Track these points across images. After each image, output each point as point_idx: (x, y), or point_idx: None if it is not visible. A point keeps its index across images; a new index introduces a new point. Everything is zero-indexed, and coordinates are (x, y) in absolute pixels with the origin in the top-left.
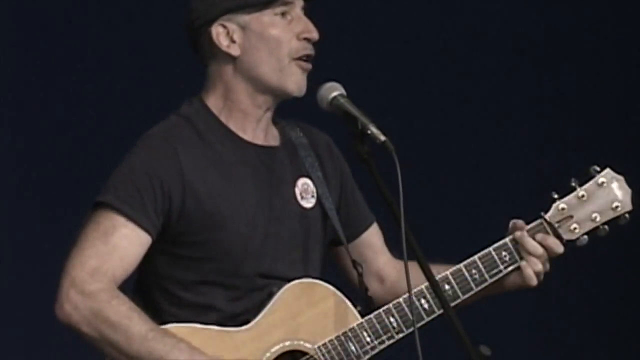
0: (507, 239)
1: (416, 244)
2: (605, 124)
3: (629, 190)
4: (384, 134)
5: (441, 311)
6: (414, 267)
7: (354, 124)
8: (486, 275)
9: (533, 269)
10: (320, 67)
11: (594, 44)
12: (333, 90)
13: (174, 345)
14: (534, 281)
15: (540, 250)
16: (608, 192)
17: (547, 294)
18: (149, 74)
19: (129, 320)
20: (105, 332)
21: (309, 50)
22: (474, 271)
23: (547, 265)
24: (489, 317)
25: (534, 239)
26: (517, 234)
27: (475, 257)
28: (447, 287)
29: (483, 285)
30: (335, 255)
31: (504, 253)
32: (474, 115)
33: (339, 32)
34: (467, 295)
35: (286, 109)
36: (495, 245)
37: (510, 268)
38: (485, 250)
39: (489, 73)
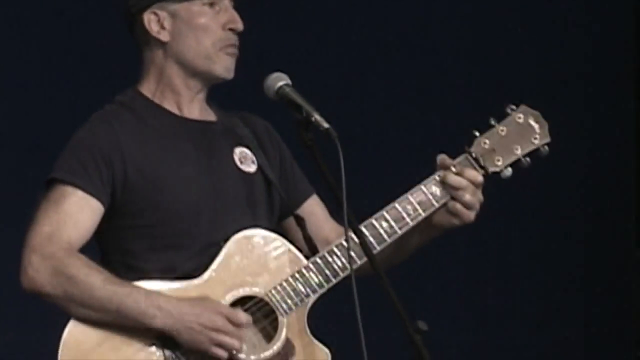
0: (435, 175)
1: (357, 226)
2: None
3: (545, 123)
4: (327, 121)
5: (382, 245)
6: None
7: (299, 112)
8: (420, 210)
9: (461, 200)
10: (267, 58)
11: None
12: (279, 80)
13: (133, 288)
14: (466, 214)
15: (463, 182)
16: (526, 126)
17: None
18: (88, 73)
19: (87, 273)
20: (67, 287)
21: (233, 40)
22: (408, 207)
23: (479, 195)
24: (425, 293)
25: (457, 173)
26: (441, 172)
27: (407, 194)
28: (384, 224)
29: (418, 220)
30: (285, 231)
31: (433, 187)
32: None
33: (285, 26)
34: (405, 228)
35: (231, 99)
36: (425, 181)
37: (441, 202)
38: (416, 187)
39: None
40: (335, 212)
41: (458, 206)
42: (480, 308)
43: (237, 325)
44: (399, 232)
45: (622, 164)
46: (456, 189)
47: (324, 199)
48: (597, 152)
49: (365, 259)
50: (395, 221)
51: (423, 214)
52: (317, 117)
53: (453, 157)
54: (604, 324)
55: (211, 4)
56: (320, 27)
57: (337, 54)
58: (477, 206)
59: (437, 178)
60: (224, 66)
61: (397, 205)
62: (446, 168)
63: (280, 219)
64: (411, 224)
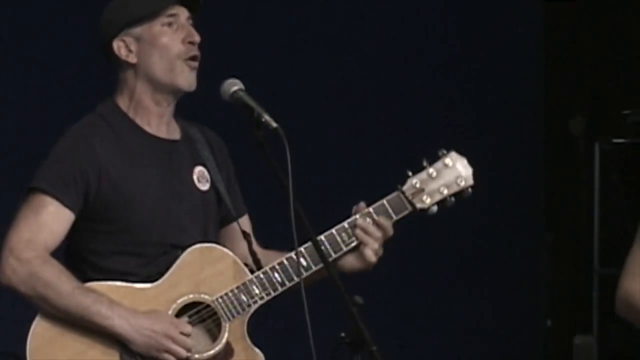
0: (343, 224)
1: (303, 213)
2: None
3: (470, 168)
4: (276, 121)
5: (318, 267)
6: (271, 254)
7: (251, 113)
8: (331, 252)
9: (372, 248)
10: (223, 65)
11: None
12: (233, 85)
13: (96, 298)
14: (372, 259)
15: (377, 233)
16: (453, 170)
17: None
18: (71, 79)
19: (58, 280)
20: (39, 290)
21: (194, 51)
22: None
23: (381, 250)
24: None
25: (374, 222)
26: (358, 220)
27: (322, 235)
28: (303, 261)
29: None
30: (224, 237)
31: (343, 235)
32: (349, 112)
33: (238, 37)
34: (318, 267)
35: (195, 105)
36: (337, 227)
37: (349, 247)
38: (329, 231)
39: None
40: (284, 203)
41: (368, 251)
42: (402, 283)
43: (183, 334)
44: (314, 267)
45: (531, 157)
46: (370, 235)
47: (272, 193)
48: (507, 143)
49: (303, 275)
50: (311, 258)
51: (333, 255)
52: (267, 117)
53: (389, 192)
54: (515, 299)
55: (169, 24)
56: (273, 37)
57: (290, 62)
58: (380, 254)
59: (346, 226)
60: (185, 78)
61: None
62: (361, 214)
63: (221, 227)
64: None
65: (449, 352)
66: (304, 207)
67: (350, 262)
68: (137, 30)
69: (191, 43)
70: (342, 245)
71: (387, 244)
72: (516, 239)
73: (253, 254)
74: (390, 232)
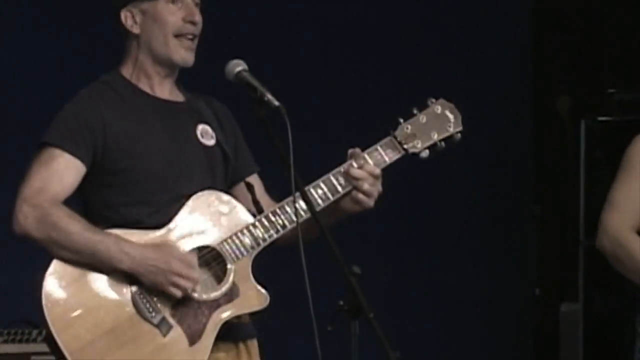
0: (340, 167)
1: (302, 185)
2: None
3: (459, 114)
4: (278, 99)
5: (322, 205)
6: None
7: (254, 92)
8: (329, 195)
9: (361, 189)
10: (229, 47)
11: None
12: (237, 66)
13: (104, 236)
14: (365, 201)
15: (364, 174)
16: (442, 116)
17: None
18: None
19: (67, 221)
20: (50, 233)
21: (191, 30)
22: (319, 191)
23: (378, 186)
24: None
25: (361, 166)
26: (343, 165)
27: (319, 180)
28: (302, 204)
29: (328, 202)
30: (233, 193)
31: (339, 178)
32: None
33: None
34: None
35: (199, 82)
36: (333, 171)
37: (346, 190)
38: (326, 175)
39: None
40: (284, 177)
41: (359, 195)
42: (397, 261)
43: (190, 267)
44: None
45: (520, 133)
46: (357, 179)
47: (273, 168)
48: (498, 120)
49: (303, 217)
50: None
51: (332, 198)
52: (269, 96)
53: (380, 138)
54: (505, 268)
55: (173, 2)
56: (275, 25)
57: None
58: (376, 195)
59: (342, 170)
60: (180, 54)
61: (311, 189)
62: (355, 158)
63: (230, 186)
64: (322, 205)
65: (441, 319)
66: (303, 179)
67: (350, 204)
68: (144, 4)
69: (191, 22)
70: (339, 188)
71: (382, 216)
72: (506, 211)
73: (256, 202)
74: (377, 171)
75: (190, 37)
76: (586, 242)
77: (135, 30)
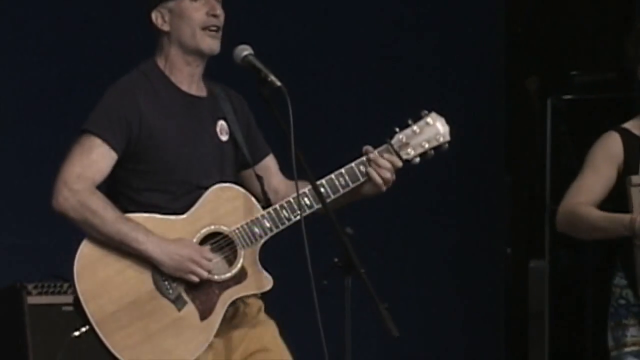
0: (363, 158)
1: (304, 160)
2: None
3: (447, 126)
4: (280, 80)
5: (319, 206)
6: (299, 185)
7: (259, 74)
8: (349, 182)
9: (382, 176)
10: (237, 35)
11: None
12: (244, 50)
13: (134, 226)
14: (383, 187)
15: (387, 164)
16: (433, 127)
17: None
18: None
19: (104, 209)
20: (87, 217)
21: (215, 22)
22: (341, 179)
23: (393, 176)
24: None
25: (382, 157)
26: (371, 155)
27: (342, 169)
28: (322, 189)
29: (347, 189)
30: (244, 178)
31: (361, 167)
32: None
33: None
34: (337, 195)
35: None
36: (356, 161)
37: (366, 178)
38: (348, 165)
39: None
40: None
41: (379, 179)
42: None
43: (205, 259)
44: (332, 196)
45: (493, 111)
46: (381, 167)
47: (274, 139)
48: (473, 99)
49: (307, 212)
50: (332, 189)
51: (351, 185)
52: (272, 77)
53: (378, 145)
54: (480, 230)
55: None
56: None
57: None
58: (391, 183)
59: (365, 160)
60: (207, 44)
61: (333, 176)
62: (370, 153)
63: (241, 170)
64: (341, 192)
65: (420, 277)
66: (304, 154)
67: (367, 189)
68: (171, 4)
69: (213, 16)
70: (360, 177)
71: None
72: (481, 181)
73: (264, 193)
74: (399, 163)
75: (214, 28)
76: (552, 207)
77: (166, 28)
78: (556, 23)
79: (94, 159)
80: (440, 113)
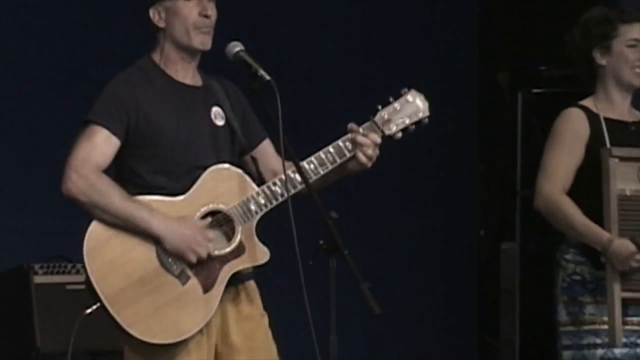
0: (349, 135)
1: (289, 146)
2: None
3: (427, 103)
4: (269, 75)
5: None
6: (290, 166)
7: (250, 69)
8: (337, 158)
9: (365, 154)
10: (229, 32)
11: None
12: (236, 47)
13: (139, 206)
14: (367, 163)
15: (368, 141)
16: (413, 104)
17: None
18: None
19: (110, 190)
20: (94, 198)
21: (206, 22)
22: (328, 155)
23: (377, 151)
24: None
25: (363, 135)
26: (353, 134)
27: (329, 146)
28: (312, 165)
29: (335, 164)
30: (245, 163)
31: (347, 143)
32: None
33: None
34: (325, 170)
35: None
36: (342, 138)
37: (353, 153)
38: (335, 142)
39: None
40: (275, 142)
41: (363, 158)
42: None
43: (205, 238)
44: (321, 172)
45: (467, 103)
46: (362, 145)
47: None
48: (448, 93)
49: (297, 188)
50: (319, 164)
51: (339, 161)
52: (262, 72)
53: (362, 122)
54: (455, 214)
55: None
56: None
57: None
58: (374, 159)
59: (350, 137)
60: (199, 41)
61: (321, 153)
62: (354, 131)
63: (241, 156)
64: (329, 167)
65: (401, 257)
66: (292, 141)
67: (353, 165)
68: (167, 2)
69: (205, 16)
70: (346, 152)
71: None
72: (457, 168)
73: (259, 173)
74: (378, 140)
75: (206, 29)
76: (522, 193)
77: (161, 24)
78: (526, 23)
79: (97, 143)
80: (420, 90)
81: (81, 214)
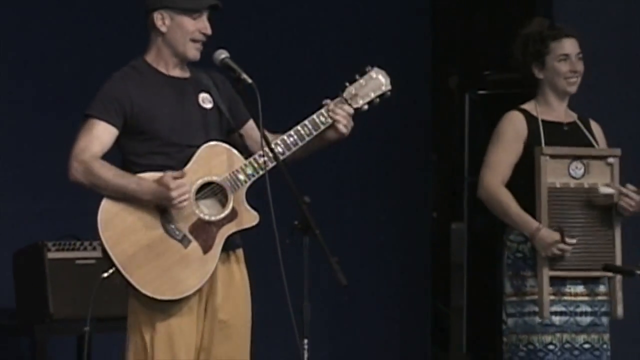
0: (322, 110)
1: (270, 142)
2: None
3: (388, 77)
4: (251, 78)
5: (290, 151)
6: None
7: (234, 73)
8: (312, 130)
9: (341, 123)
10: (217, 41)
11: None
12: (222, 54)
13: (129, 180)
14: (344, 131)
15: (343, 112)
16: (377, 79)
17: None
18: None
19: (103, 171)
20: (93, 180)
21: (202, 38)
22: (305, 128)
23: (351, 122)
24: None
25: (337, 108)
26: (329, 106)
27: (305, 120)
28: (291, 139)
29: (311, 136)
30: (231, 140)
31: (321, 117)
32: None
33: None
34: (304, 142)
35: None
36: (316, 113)
37: (326, 126)
38: (310, 117)
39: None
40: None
41: (340, 126)
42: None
43: (180, 185)
44: (300, 143)
45: (421, 104)
46: (337, 115)
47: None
48: (402, 95)
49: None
50: (298, 137)
51: (314, 133)
52: (244, 76)
53: (333, 97)
54: (410, 198)
55: (194, 18)
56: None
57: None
58: (349, 127)
59: (324, 111)
60: (192, 54)
61: (299, 127)
62: (328, 106)
63: (229, 134)
64: (307, 139)
65: (363, 236)
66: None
67: (331, 135)
68: (173, 13)
69: (203, 33)
70: (321, 125)
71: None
72: (412, 159)
73: (246, 147)
74: (351, 111)
75: (201, 44)
76: (469, 179)
77: (163, 29)
78: (473, 33)
79: (95, 134)
80: (382, 67)
81: (88, 199)
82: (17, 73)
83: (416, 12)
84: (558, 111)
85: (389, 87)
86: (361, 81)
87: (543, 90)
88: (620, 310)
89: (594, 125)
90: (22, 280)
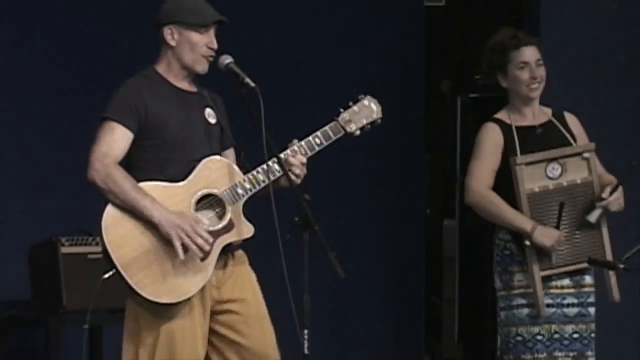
0: (281, 155)
1: (272, 144)
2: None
3: (379, 106)
4: (254, 82)
5: (282, 174)
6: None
7: (238, 77)
8: (265, 179)
9: (294, 173)
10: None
11: None
12: (227, 59)
13: (144, 195)
14: (296, 181)
15: (297, 162)
16: (369, 107)
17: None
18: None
19: (123, 181)
20: (110, 186)
21: (211, 53)
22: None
23: (304, 171)
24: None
25: (293, 157)
26: (283, 154)
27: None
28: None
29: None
30: (224, 154)
31: (276, 166)
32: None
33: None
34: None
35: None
36: (271, 160)
37: (280, 173)
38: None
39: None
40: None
41: (292, 176)
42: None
43: (196, 232)
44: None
45: (416, 107)
46: (292, 165)
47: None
48: (398, 98)
49: (276, 176)
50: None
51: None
52: (247, 80)
53: (327, 123)
54: (405, 196)
55: (202, 33)
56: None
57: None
58: (302, 176)
59: (277, 160)
60: (201, 67)
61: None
62: (288, 150)
63: (222, 150)
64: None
65: (361, 232)
66: (274, 139)
67: (283, 182)
68: (183, 28)
69: (210, 48)
70: (276, 173)
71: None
72: (407, 159)
73: (241, 163)
74: (304, 160)
75: (209, 58)
76: (461, 179)
77: (173, 43)
78: (464, 39)
79: (115, 138)
80: (375, 96)
81: (100, 197)
82: (31, 72)
83: (409, 20)
84: (529, 115)
85: (380, 115)
86: (354, 108)
87: (511, 98)
88: (616, 294)
89: (569, 117)
90: (37, 274)
